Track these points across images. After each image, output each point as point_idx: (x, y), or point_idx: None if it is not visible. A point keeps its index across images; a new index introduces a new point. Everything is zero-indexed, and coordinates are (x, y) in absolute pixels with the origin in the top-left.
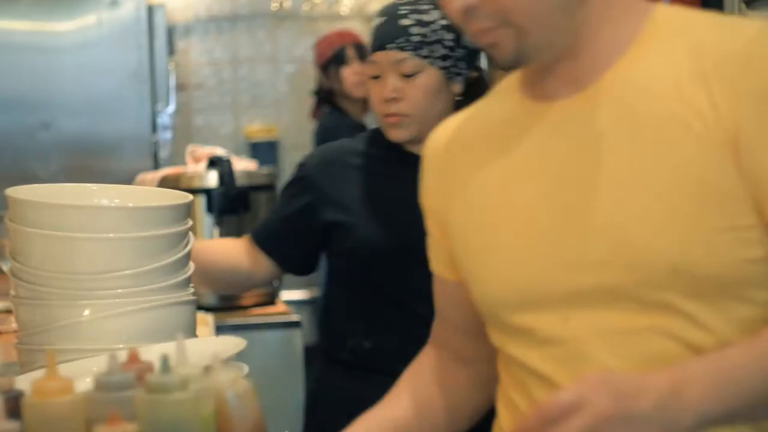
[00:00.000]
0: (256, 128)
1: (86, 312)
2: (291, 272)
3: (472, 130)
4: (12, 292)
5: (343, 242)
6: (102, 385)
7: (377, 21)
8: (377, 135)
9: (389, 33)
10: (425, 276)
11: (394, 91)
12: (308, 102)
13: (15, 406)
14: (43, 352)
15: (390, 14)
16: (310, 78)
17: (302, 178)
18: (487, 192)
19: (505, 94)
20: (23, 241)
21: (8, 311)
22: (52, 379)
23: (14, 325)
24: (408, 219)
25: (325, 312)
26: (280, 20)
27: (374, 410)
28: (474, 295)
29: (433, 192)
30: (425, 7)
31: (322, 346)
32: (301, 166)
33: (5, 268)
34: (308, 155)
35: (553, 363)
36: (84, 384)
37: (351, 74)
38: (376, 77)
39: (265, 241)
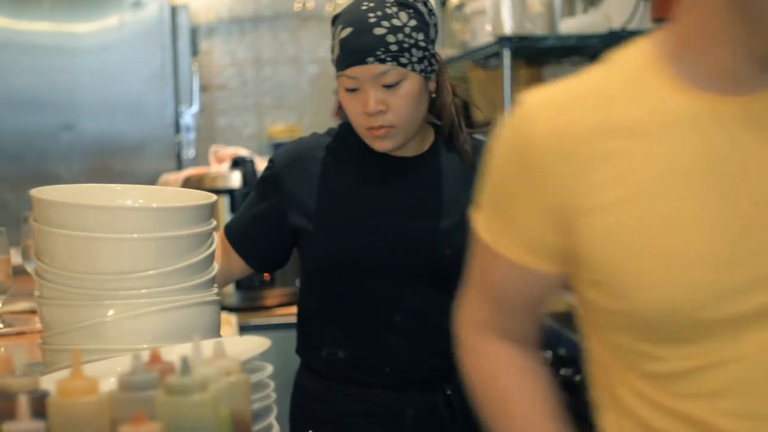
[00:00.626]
0: (279, 129)
1: (110, 312)
2: (259, 270)
3: (611, 127)
4: (36, 293)
5: (309, 248)
6: (126, 384)
7: (345, 32)
8: (349, 132)
9: (366, 45)
10: (395, 284)
11: (379, 104)
12: (331, 102)
13: (40, 406)
14: (67, 352)
15: (359, 24)
16: (333, 78)
17: (271, 177)
18: (660, 193)
19: (639, 89)
20: (47, 242)
21: (33, 311)
22: (77, 379)
23: (39, 326)
24: (378, 225)
25: (299, 315)
26: (303, 21)
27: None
28: (636, 297)
29: (559, 188)
30: (391, 10)
31: (297, 349)
32: (271, 162)
33: (30, 268)
34: (278, 151)
35: (726, 382)
36: (108, 384)
37: None
38: (352, 90)
39: (235, 238)
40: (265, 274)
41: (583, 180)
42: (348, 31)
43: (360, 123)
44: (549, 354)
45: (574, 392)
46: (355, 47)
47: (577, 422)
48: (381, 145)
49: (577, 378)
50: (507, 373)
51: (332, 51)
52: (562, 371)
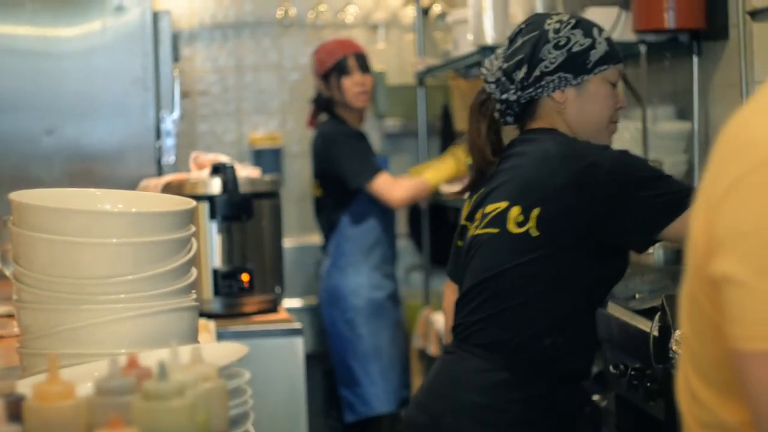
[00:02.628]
0: (260, 136)
1: (88, 317)
2: None
3: None
4: (14, 296)
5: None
6: (103, 389)
7: (606, 33)
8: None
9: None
10: None
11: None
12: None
13: (16, 409)
14: (44, 356)
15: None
16: (315, 86)
17: None
18: None
19: None
20: (26, 246)
21: (10, 315)
22: (54, 384)
23: (16, 330)
24: None
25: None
26: (285, 28)
27: None
28: None
29: None
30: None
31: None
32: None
33: (8, 272)
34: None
35: None
36: (85, 388)
37: (352, 84)
38: (613, 84)
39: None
40: (245, 280)
41: None
42: (606, 33)
43: (608, 117)
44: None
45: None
46: (617, 47)
47: None
48: (611, 141)
49: (586, 409)
50: None
51: (590, 48)
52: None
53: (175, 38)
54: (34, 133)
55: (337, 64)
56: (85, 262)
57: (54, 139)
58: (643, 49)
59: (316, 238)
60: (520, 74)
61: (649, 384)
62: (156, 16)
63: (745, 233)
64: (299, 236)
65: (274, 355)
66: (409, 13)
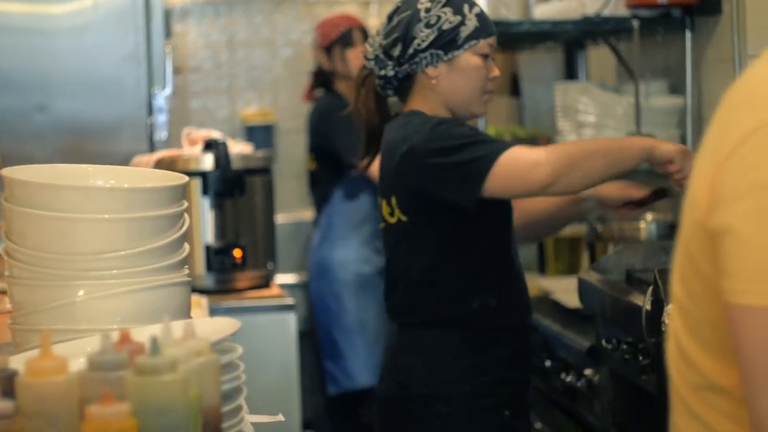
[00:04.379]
0: (253, 112)
1: (81, 292)
2: None
3: None
4: (6, 273)
5: None
6: (95, 364)
7: (477, 9)
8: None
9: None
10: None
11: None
12: (305, 86)
13: (9, 385)
14: (37, 332)
15: (479, 5)
16: (307, 62)
17: None
18: None
19: None
20: (18, 222)
21: (2, 291)
22: (46, 359)
23: (8, 306)
24: None
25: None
26: (278, 4)
27: None
28: None
29: None
30: None
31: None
32: None
33: (0, 248)
34: None
35: None
36: (78, 364)
37: (357, 57)
38: (485, 56)
39: None
40: (237, 256)
41: None
42: (478, 8)
43: (481, 87)
44: (552, 361)
45: (576, 398)
46: (489, 22)
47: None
48: (485, 109)
49: (579, 384)
50: None
51: (459, 24)
52: (564, 376)
53: (167, 14)
54: (26, 110)
55: (342, 36)
56: (78, 237)
57: (46, 116)
58: (635, 24)
59: (309, 214)
60: (396, 51)
61: (641, 358)
62: None
63: (753, 186)
64: (292, 212)
65: (267, 331)
66: None
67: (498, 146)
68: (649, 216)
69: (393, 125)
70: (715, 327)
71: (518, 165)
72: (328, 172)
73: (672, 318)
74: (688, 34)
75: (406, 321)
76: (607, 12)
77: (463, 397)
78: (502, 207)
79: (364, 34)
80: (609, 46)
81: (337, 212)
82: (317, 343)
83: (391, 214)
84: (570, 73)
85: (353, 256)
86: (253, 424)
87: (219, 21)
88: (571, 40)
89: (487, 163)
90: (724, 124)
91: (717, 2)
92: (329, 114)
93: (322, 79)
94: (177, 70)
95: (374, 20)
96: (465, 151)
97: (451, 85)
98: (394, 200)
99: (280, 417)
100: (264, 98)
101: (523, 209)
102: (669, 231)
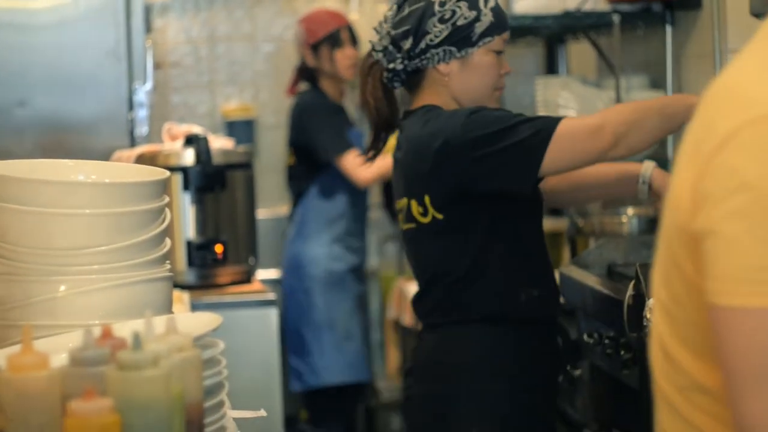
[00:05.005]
0: (233, 107)
1: (62, 288)
2: None
3: None
4: None
5: None
6: (77, 360)
7: (493, 2)
8: None
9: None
10: None
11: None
12: (285, 81)
13: None
14: (18, 327)
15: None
16: (288, 57)
17: None
18: None
19: None
20: None
21: None
22: (28, 355)
23: None
24: None
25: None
26: None
27: None
28: None
29: None
30: None
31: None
32: None
33: None
34: None
35: None
36: (59, 359)
37: (344, 57)
38: (499, 52)
39: None
40: (218, 252)
41: None
42: (493, 2)
43: (493, 84)
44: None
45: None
46: (504, 15)
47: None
48: (497, 106)
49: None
50: None
51: (475, 20)
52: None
53: (147, 9)
54: (6, 105)
55: (330, 35)
56: (59, 233)
57: (26, 111)
58: (616, 18)
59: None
60: (407, 44)
61: (623, 352)
62: None
63: (737, 187)
64: (274, 207)
65: (249, 327)
66: None
67: (547, 121)
68: (630, 210)
69: (412, 121)
70: (699, 328)
71: (577, 134)
72: (305, 168)
73: (655, 319)
74: (668, 29)
75: (445, 320)
76: (588, 7)
77: (510, 392)
78: (536, 193)
79: (352, 33)
80: (589, 41)
81: (311, 208)
82: (284, 338)
83: (423, 214)
84: (551, 67)
85: (324, 252)
86: (235, 419)
87: (199, 16)
88: (552, 35)
89: (544, 140)
90: (706, 123)
91: None
92: (310, 110)
93: (306, 74)
94: (157, 66)
95: (355, 15)
96: (513, 133)
97: (464, 82)
98: (427, 199)
99: (262, 412)
100: (245, 93)
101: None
102: (650, 225)
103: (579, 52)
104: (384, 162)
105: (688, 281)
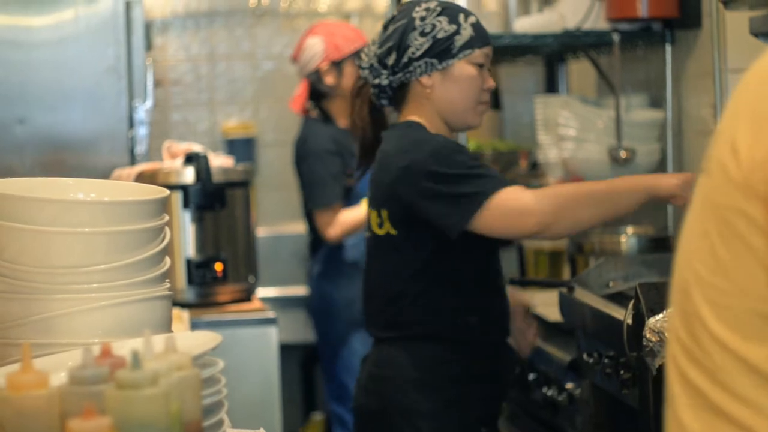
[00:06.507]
0: (233, 125)
1: (61, 306)
2: None
3: None
4: None
5: None
6: (76, 378)
7: (473, 18)
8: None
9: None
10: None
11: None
12: (286, 99)
13: None
14: (17, 346)
15: (475, 16)
16: (288, 75)
17: None
18: None
19: None
20: None
21: None
22: (27, 373)
23: None
24: None
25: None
26: (258, 17)
27: None
28: None
29: None
30: None
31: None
32: None
33: None
34: None
35: None
36: (58, 378)
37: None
38: (481, 66)
39: None
40: (218, 270)
41: None
42: (474, 18)
43: (476, 98)
44: (534, 374)
45: (557, 412)
46: (485, 31)
47: None
48: (480, 121)
49: (560, 398)
50: None
51: (454, 33)
52: (545, 390)
53: (148, 27)
54: (6, 122)
55: (357, 52)
56: (58, 251)
57: (26, 129)
58: (616, 37)
59: (291, 227)
60: (391, 60)
61: (622, 372)
62: (128, 5)
63: None
64: (273, 225)
65: (248, 345)
66: (383, 1)
67: (492, 184)
68: (630, 229)
69: (391, 134)
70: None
71: (507, 211)
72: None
73: (685, 302)
74: (668, 48)
75: (387, 334)
76: (588, 25)
77: (443, 411)
78: (474, 236)
79: None
80: (589, 60)
81: (338, 245)
82: (323, 382)
83: (380, 225)
84: (551, 86)
85: (358, 293)
86: None
87: (199, 34)
88: (552, 54)
89: (480, 202)
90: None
91: (697, 16)
92: (307, 154)
93: (315, 96)
94: (158, 83)
95: None
96: (461, 183)
97: (446, 94)
98: (385, 213)
99: (262, 431)
100: (245, 111)
101: None
102: (650, 245)
103: (579, 70)
104: (352, 218)
105: (753, 249)
